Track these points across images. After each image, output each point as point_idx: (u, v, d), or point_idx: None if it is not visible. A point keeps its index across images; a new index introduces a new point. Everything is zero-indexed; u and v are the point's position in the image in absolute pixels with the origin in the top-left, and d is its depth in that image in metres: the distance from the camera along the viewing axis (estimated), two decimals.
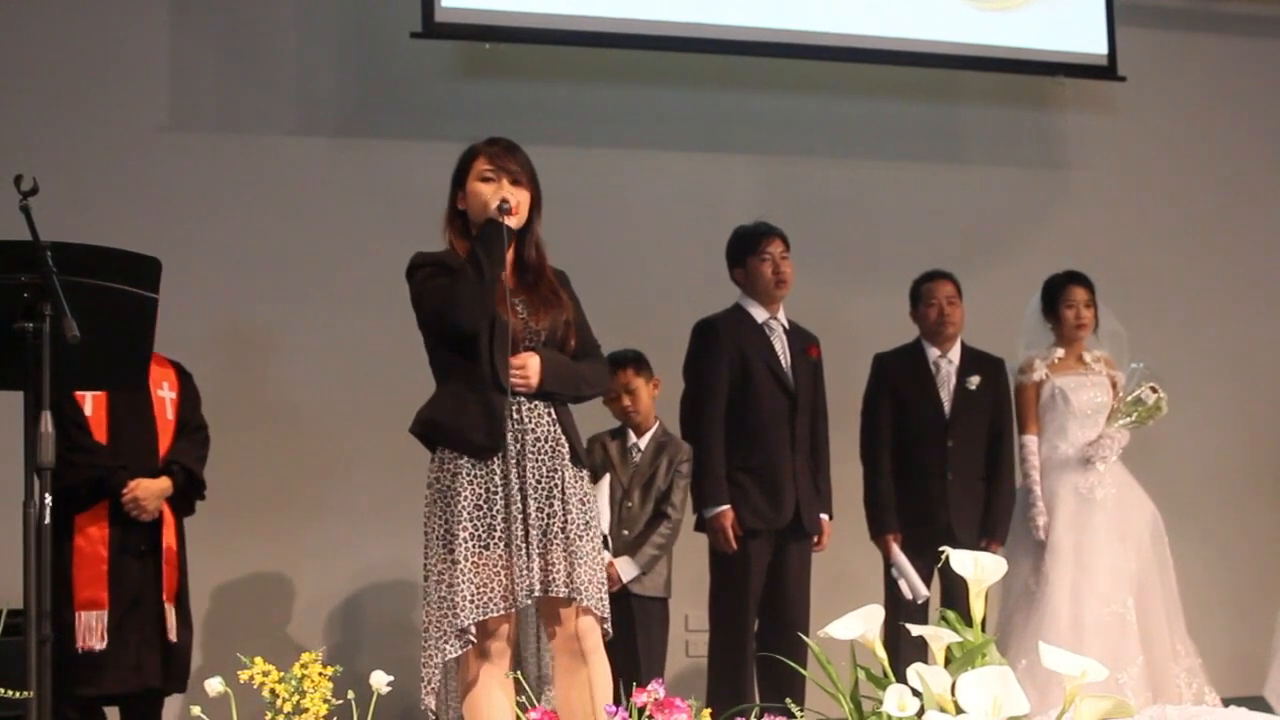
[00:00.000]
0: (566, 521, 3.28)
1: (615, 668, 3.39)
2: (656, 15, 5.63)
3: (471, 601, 3.19)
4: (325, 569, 5.35)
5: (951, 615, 2.28)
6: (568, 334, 3.45)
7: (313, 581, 5.36)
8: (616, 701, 2.64)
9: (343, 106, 5.64)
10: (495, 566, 3.22)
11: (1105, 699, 2.06)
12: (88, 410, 4.08)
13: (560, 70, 5.82)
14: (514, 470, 3.26)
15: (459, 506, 3.24)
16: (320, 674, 2.56)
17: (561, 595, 3.26)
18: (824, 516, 4.75)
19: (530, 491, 3.26)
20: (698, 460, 4.63)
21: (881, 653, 2.28)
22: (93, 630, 3.95)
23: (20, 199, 2.98)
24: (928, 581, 4.86)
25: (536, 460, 3.29)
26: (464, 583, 3.19)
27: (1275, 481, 6.32)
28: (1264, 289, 6.56)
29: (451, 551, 3.22)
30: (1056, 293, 5.20)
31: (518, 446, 3.28)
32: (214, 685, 2.52)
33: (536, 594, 3.24)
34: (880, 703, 2.11)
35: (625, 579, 4.49)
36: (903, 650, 2.73)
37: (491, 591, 3.21)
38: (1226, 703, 4.65)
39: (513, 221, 3.33)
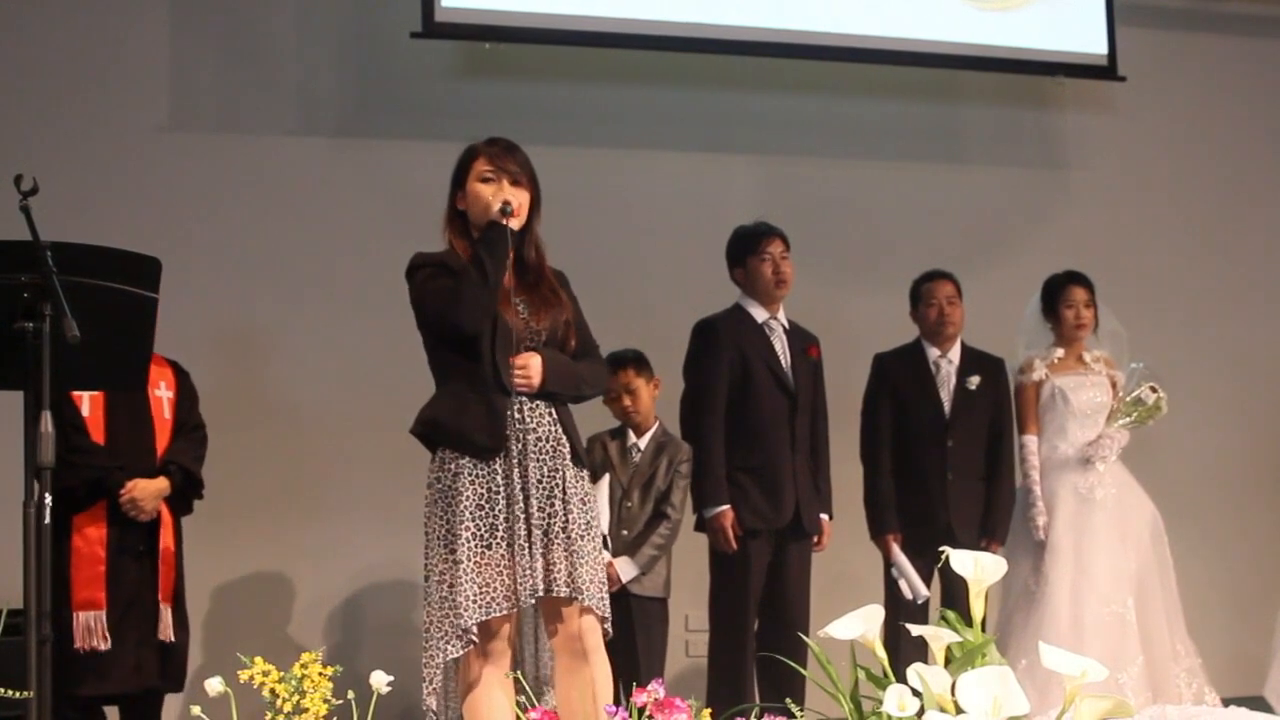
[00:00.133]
0: (568, 521, 3.28)
1: (615, 668, 3.39)
2: (656, 15, 5.63)
3: (474, 601, 3.19)
4: (325, 569, 5.35)
5: (951, 615, 2.28)
6: (568, 334, 3.45)
7: (312, 581, 5.36)
8: (616, 701, 2.64)
9: (343, 106, 5.64)
10: (497, 566, 3.22)
11: (1105, 699, 2.06)
12: (85, 410, 4.07)
13: (560, 70, 5.82)
14: (516, 470, 3.26)
15: (461, 506, 3.23)
16: (320, 674, 2.57)
17: (563, 595, 3.25)
18: (824, 516, 4.75)
19: (532, 491, 3.26)
20: (698, 460, 4.62)
21: (881, 653, 2.28)
22: (92, 630, 3.95)
23: (20, 199, 2.98)
24: (928, 581, 4.86)
25: (538, 460, 3.29)
26: (466, 583, 3.19)
27: (1275, 481, 6.31)
28: (1264, 289, 6.55)
29: (453, 551, 3.22)
30: (1056, 293, 5.20)
31: (519, 446, 3.28)
32: (214, 685, 2.52)
33: (539, 594, 3.24)
34: (880, 703, 2.11)
35: (625, 579, 4.49)
36: (903, 650, 2.73)
37: (494, 591, 3.21)
38: (1226, 703, 4.66)
39: (513, 222, 3.33)
